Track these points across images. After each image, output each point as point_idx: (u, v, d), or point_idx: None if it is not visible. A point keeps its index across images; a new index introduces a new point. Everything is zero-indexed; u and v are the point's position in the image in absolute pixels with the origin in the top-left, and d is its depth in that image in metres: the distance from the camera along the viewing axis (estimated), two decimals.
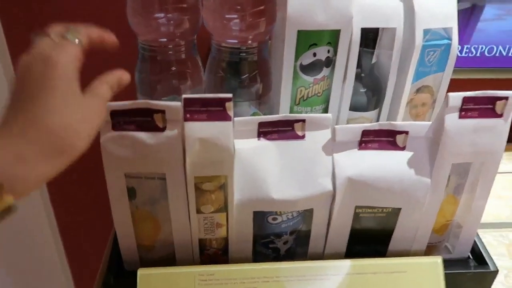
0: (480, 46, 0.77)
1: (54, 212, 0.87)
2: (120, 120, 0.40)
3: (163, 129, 0.40)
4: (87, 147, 0.31)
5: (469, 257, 0.52)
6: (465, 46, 0.77)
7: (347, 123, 0.54)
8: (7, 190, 0.27)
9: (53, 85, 0.29)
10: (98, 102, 0.32)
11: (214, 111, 0.39)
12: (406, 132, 0.44)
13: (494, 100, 0.42)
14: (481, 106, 0.42)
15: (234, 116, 0.43)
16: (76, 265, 0.96)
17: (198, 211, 0.43)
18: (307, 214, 0.47)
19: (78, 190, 0.84)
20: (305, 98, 0.51)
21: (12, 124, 0.28)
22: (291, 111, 0.52)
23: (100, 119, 0.32)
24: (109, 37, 0.35)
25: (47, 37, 0.31)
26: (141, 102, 0.39)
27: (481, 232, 0.63)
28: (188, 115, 0.39)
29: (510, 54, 0.77)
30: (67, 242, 0.92)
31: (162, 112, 0.39)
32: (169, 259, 0.47)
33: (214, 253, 0.47)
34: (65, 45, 0.31)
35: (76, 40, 0.32)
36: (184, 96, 0.38)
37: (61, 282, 0.95)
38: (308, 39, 0.47)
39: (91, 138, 0.31)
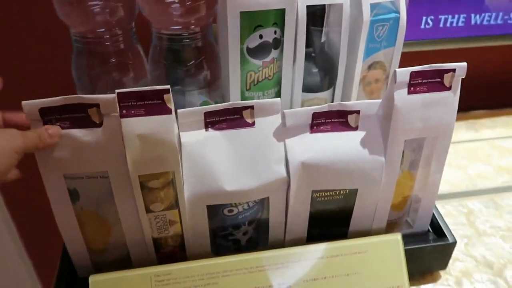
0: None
1: (11, 214, 0.83)
2: (52, 118, 0.37)
3: (99, 125, 0.37)
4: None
5: (429, 230, 0.52)
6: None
7: (302, 105, 0.53)
8: None
9: None
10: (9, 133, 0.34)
11: (152, 104, 0.36)
12: (358, 112, 0.43)
13: (442, 73, 0.41)
14: (429, 80, 0.41)
15: (185, 107, 0.41)
16: (44, 273, 0.92)
17: (148, 210, 0.41)
18: (265, 203, 0.46)
19: (34, 192, 0.80)
20: (255, 82, 0.49)
21: None
22: (242, 97, 0.50)
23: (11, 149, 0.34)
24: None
25: None
26: (73, 97, 0.36)
27: (442, 203, 0.64)
28: (124, 111, 0.36)
29: (459, 24, 0.77)
30: (31, 248, 0.88)
31: (97, 106, 0.37)
32: (124, 261, 0.45)
33: (171, 250, 0.45)
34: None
35: None
36: (117, 90, 0.36)
37: None
38: (252, 20, 0.45)
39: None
